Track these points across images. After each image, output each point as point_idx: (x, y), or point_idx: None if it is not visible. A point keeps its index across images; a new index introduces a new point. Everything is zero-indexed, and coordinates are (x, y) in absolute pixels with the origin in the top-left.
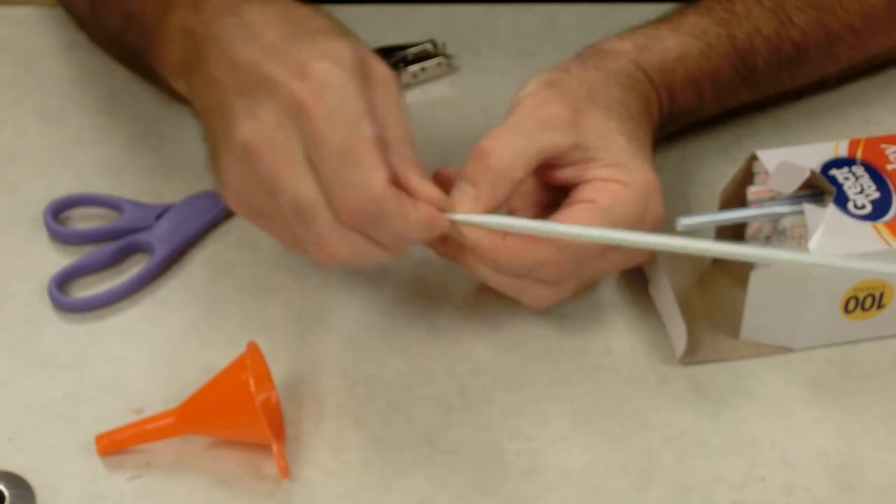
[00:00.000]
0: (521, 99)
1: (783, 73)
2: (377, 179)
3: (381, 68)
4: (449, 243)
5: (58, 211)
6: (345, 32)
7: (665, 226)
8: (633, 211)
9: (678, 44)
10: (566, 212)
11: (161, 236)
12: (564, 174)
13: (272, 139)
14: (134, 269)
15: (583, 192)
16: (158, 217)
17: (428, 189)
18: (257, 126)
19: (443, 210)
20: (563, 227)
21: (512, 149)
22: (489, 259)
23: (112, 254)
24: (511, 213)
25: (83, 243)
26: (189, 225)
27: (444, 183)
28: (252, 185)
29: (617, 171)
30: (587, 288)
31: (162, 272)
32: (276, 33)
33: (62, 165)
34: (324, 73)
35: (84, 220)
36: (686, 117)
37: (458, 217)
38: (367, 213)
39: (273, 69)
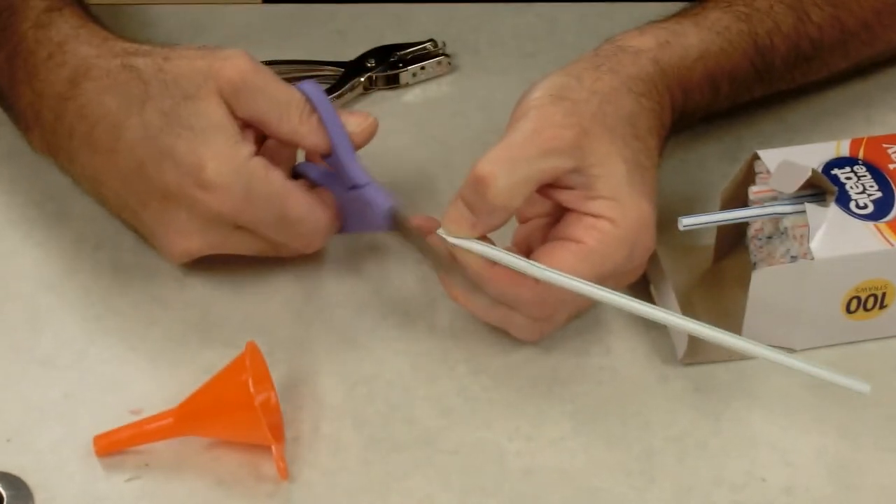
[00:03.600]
0: (527, 111)
1: (797, 69)
2: (321, 222)
3: (231, 71)
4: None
5: None
6: (186, 89)
7: (666, 226)
8: (619, 252)
9: (700, 40)
10: (551, 248)
11: None
12: (560, 197)
13: (204, 241)
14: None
15: (572, 229)
16: None
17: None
18: (184, 238)
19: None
20: (542, 270)
21: (511, 178)
22: (475, 279)
23: None
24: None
25: None
26: None
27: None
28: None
29: (610, 206)
30: (579, 315)
31: None
32: (133, 134)
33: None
34: (220, 176)
35: None
36: (699, 113)
37: (450, 240)
38: (322, 238)
39: (163, 183)
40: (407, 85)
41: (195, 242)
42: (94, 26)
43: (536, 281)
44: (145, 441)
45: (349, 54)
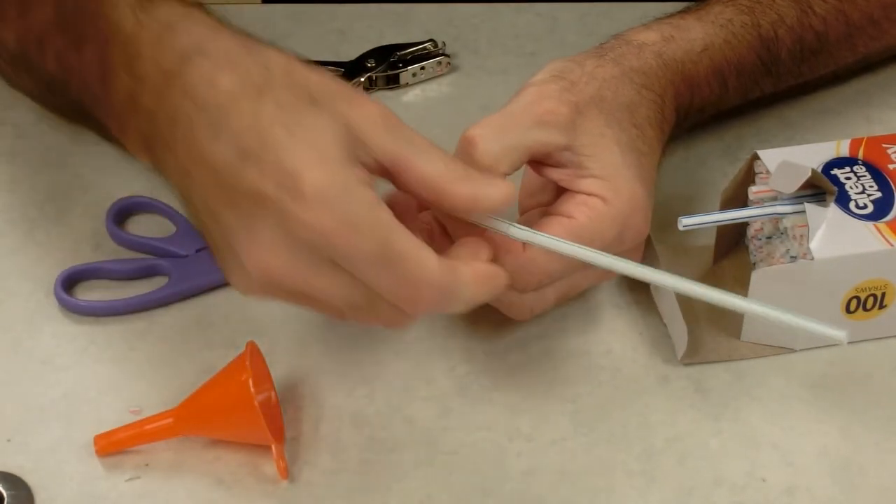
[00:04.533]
0: (526, 87)
1: (804, 63)
2: (428, 266)
3: (370, 119)
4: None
5: (120, 214)
6: (312, 90)
7: (666, 226)
8: (609, 230)
9: (704, 34)
10: (542, 222)
11: (185, 274)
12: (552, 175)
13: (290, 262)
14: (145, 289)
15: (563, 205)
16: (199, 250)
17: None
18: (268, 253)
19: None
20: (532, 234)
21: (500, 142)
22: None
23: (133, 270)
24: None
25: (135, 249)
26: (215, 275)
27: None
28: (286, 295)
29: (601, 185)
30: (571, 299)
31: (169, 304)
32: (240, 121)
33: (62, 165)
34: (320, 189)
35: (138, 227)
36: (709, 109)
37: None
38: (431, 302)
39: (259, 183)
40: (407, 85)
41: (278, 260)
42: (205, 8)
43: (523, 248)
44: (145, 441)
45: (349, 54)
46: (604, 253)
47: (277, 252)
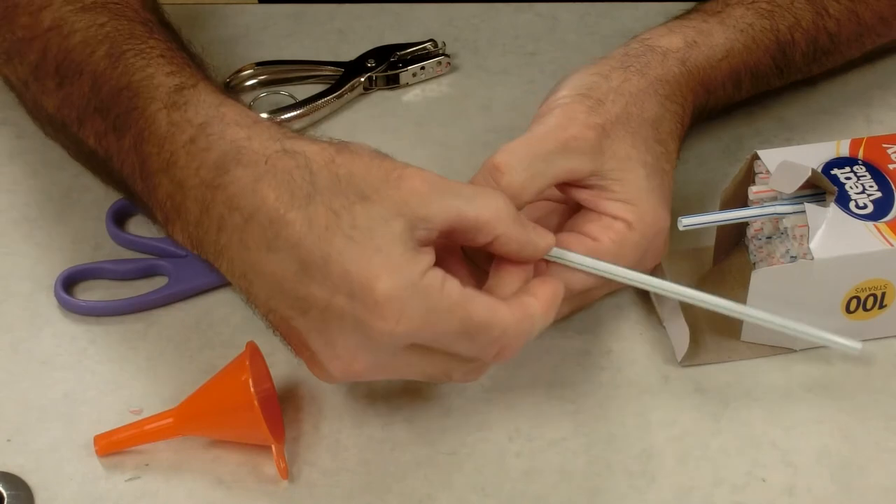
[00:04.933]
0: (552, 108)
1: (815, 63)
2: (507, 321)
3: (420, 182)
4: None
5: (119, 214)
6: (362, 188)
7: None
8: (632, 255)
9: (725, 39)
10: (567, 238)
11: (185, 274)
12: (578, 195)
13: (371, 363)
14: (145, 289)
15: (589, 225)
16: None
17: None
18: (350, 358)
19: None
20: (560, 253)
21: (527, 171)
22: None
23: (133, 270)
24: None
25: (135, 249)
26: (215, 275)
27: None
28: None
29: (627, 209)
30: (583, 309)
31: (169, 304)
32: (295, 232)
33: (62, 165)
34: (394, 295)
35: (138, 227)
36: (720, 109)
37: None
38: (517, 348)
39: (329, 297)
40: (407, 85)
41: (360, 364)
42: (237, 104)
43: (546, 266)
44: (145, 441)
45: (349, 54)
46: (628, 269)
47: (359, 357)
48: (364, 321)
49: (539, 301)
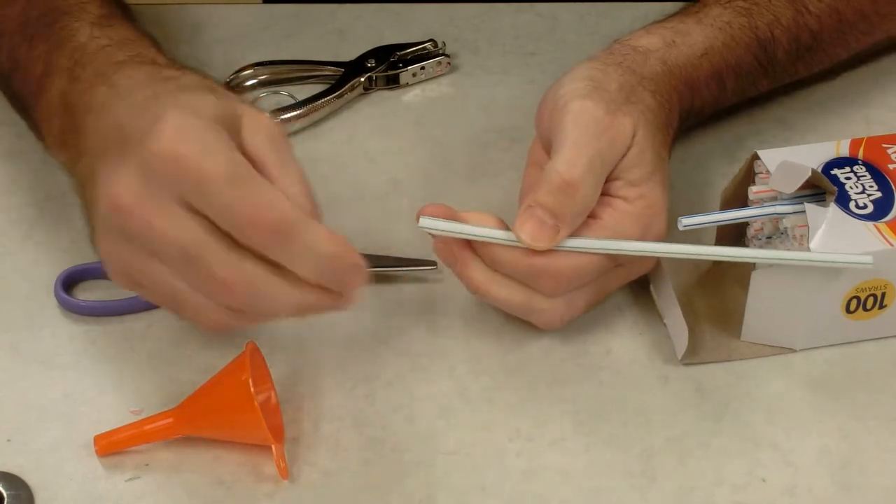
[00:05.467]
0: (566, 102)
1: (799, 61)
2: (279, 195)
3: (259, 121)
4: (449, 262)
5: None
6: (214, 87)
7: (667, 227)
8: (632, 231)
9: (703, 37)
10: None
11: None
12: None
13: (139, 195)
14: None
15: None
16: None
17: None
18: (122, 187)
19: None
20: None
21: (594, 180)
22: (490, 260)
23: None
24: None
25: None
26: None
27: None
28: (129, 249)
29: (629, 188)
30: (598, 304)
31: None
32: (142, 95)
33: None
34: (177, 126)
35: None
36: (707, 110)
37: (438, 225)
38: (275, 228)
39: (131, 127)
40: (407, 85)
41: (128, 194)
42: (151, 39)
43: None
44: (145, 441)
45: (349, 54)
46: (630, 241)
47: (129, 185)
48: (145, 146)
49: (324, 229)
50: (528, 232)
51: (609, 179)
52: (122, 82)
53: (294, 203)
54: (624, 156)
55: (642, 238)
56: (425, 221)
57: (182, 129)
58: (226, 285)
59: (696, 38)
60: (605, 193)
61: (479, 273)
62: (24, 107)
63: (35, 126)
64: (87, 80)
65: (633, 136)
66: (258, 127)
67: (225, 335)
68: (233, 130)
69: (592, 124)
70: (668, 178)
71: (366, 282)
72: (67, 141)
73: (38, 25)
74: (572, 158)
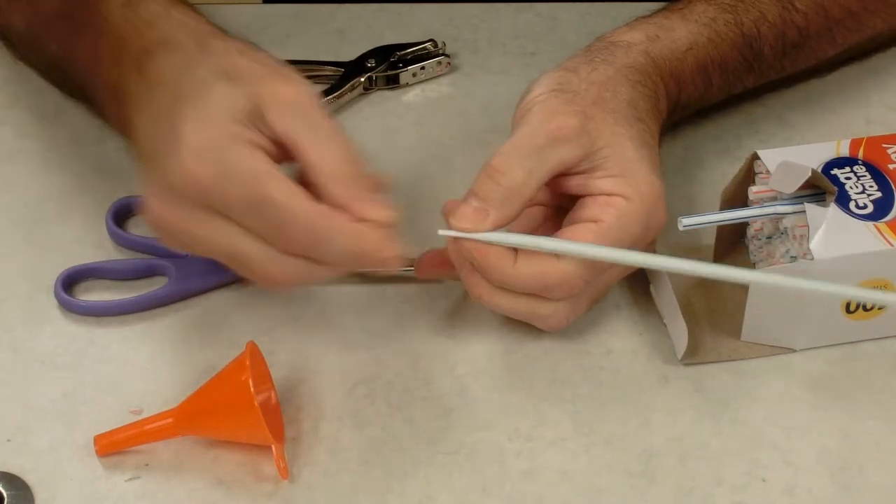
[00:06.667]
0: (530, 106)
1: (786, 58)
2: (299, 209)
3: (282, 97)
4: (458, 266)
5: (119, 214)
6: (236, 68)
7: (666, 226)
8: (636, 226)
9: (688, 32)
10: (571, 231)
11: (185, 274)
12: (571, 182)
13: (171, 212)
14: (145, 289)
15: (587, 210)
16: None
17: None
18: (155, 201)
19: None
20: (569, 244)
21: (524, 167)
22: (497, 279)
23: (133, 270)
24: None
25: (135, 249)
26: (215, 275)
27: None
28: (174, 240)
29: (621, 183)
30: (600, 300)
31: (169, 304)
32: (164, 98)
33: (62, 165)
34: (196, 146)
35: (138, 227)
36: (694, 105)
37: (469, 235)
38: (298, 240)
39: (156, 144)
40: (407, 85)
41: (161, 209)
42: (183, 6)
43: (558, 258)
44: (145, 441)
45: (349, 54)
46: (634, 251)
47: (161, 202)
48: (166, 167)
49: (348, 221)
50: (458, 215)
51: (584, 171)
52: (150, 73)
53: (335, 172)
54: (587, 156)
55: (645, 230)
56: (450, 231)
57: (198, 152)
58: (274, 276)
59: (681, 33)
60: (600, 193)
61: (485, 286)
62: (83, 93)
63: (98, 110)
64: (126, 64)
65: (592, 133)
66: (282, 104)
67: (285, 292)
68: (256, 117)
69: (537, 124)
70: (658, 163)
71: (401, 256)
72: (127, 127)
73: (79, 14)
74: (503, 149)
